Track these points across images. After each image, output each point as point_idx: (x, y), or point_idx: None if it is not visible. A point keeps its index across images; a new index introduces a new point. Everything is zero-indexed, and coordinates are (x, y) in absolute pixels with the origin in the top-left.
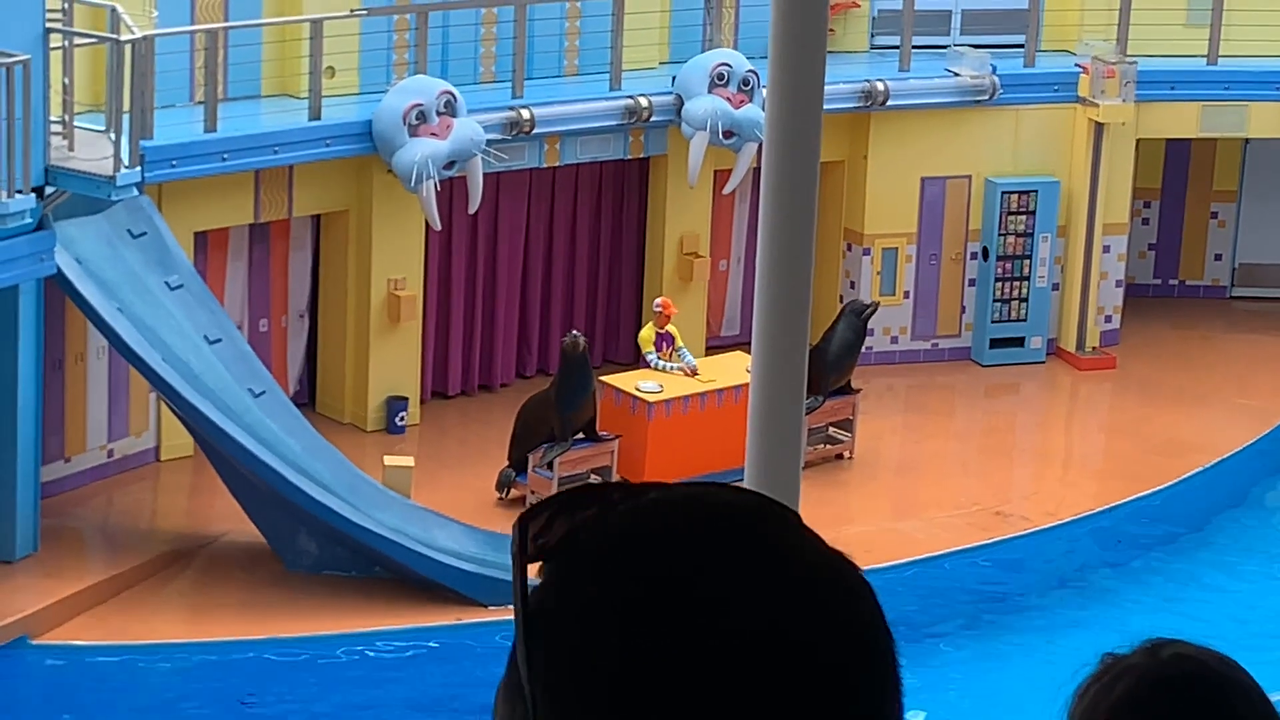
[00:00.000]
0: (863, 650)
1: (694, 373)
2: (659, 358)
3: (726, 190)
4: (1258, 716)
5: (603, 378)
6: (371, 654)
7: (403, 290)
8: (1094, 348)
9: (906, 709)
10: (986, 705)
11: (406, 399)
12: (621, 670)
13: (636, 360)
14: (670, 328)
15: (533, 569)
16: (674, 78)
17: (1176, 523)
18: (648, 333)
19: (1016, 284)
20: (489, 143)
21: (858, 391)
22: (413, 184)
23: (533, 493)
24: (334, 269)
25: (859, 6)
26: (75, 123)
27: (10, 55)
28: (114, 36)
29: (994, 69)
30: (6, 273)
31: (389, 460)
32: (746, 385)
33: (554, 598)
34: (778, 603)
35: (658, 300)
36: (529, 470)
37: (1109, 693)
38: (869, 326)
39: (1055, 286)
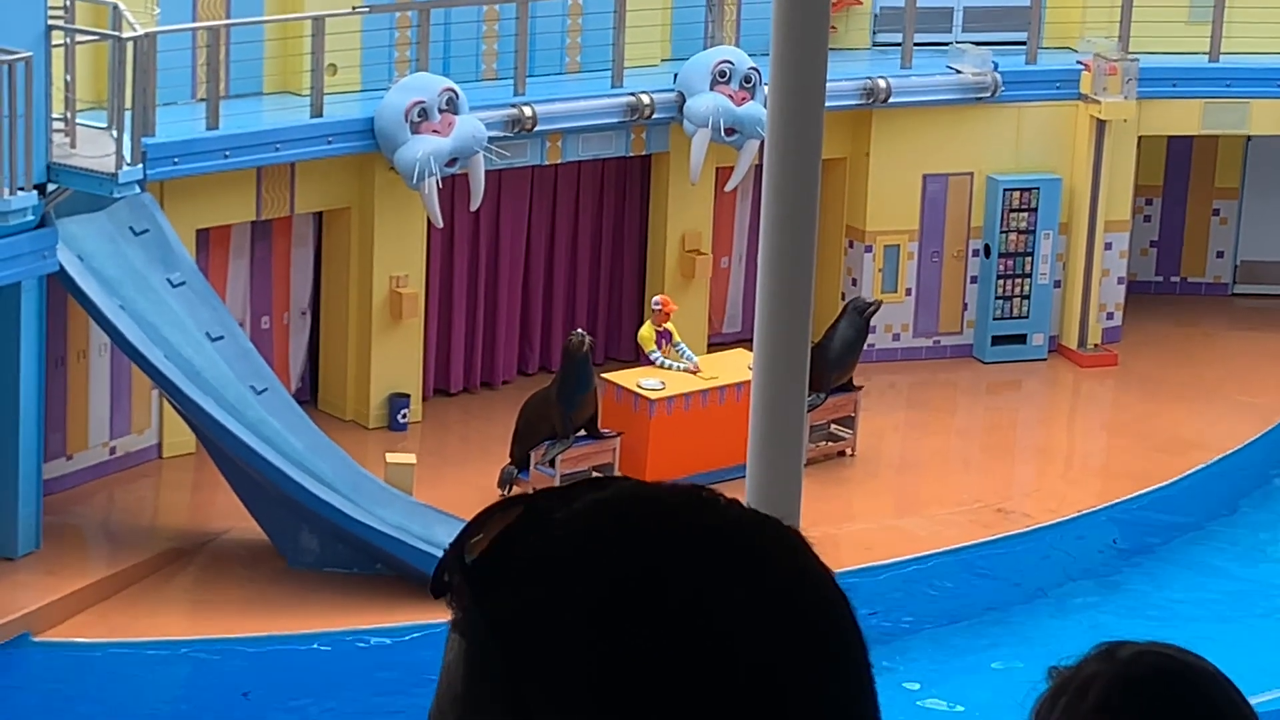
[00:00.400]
0: (829, 660)
1: (697, 370)
2: (662, 355)
3: (728, 187)
4: (1231, 703)
5: (604, 375)
6: (373, 651)
7: (405, 287)
8: (1096, 345)
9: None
10: (987, 703)
11: (408, 396)
12: (598, 671)
13: (638, 357)
14: (668, 325)
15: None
16: (676, 75)
17: (1179, 519)
18: (647, 331)
19: (1018, 281)
20: (491, 140)
21: (859, 388)
22: (415, 181)
23: (534, 489)
24: (336, 266)
25: (861, 4)
26: (77, 120)
27: (12, 52)
28: (116, 34)
29: (996, 66)
30: (8, 270)
31: (391, 457)
32: (748, 382)
33: (512, 605)
34: (746, 609)
35: (656, 298)
36: (531, 467)
37: (1080, 703)
38: (871, 324)
39: (1057, 283)
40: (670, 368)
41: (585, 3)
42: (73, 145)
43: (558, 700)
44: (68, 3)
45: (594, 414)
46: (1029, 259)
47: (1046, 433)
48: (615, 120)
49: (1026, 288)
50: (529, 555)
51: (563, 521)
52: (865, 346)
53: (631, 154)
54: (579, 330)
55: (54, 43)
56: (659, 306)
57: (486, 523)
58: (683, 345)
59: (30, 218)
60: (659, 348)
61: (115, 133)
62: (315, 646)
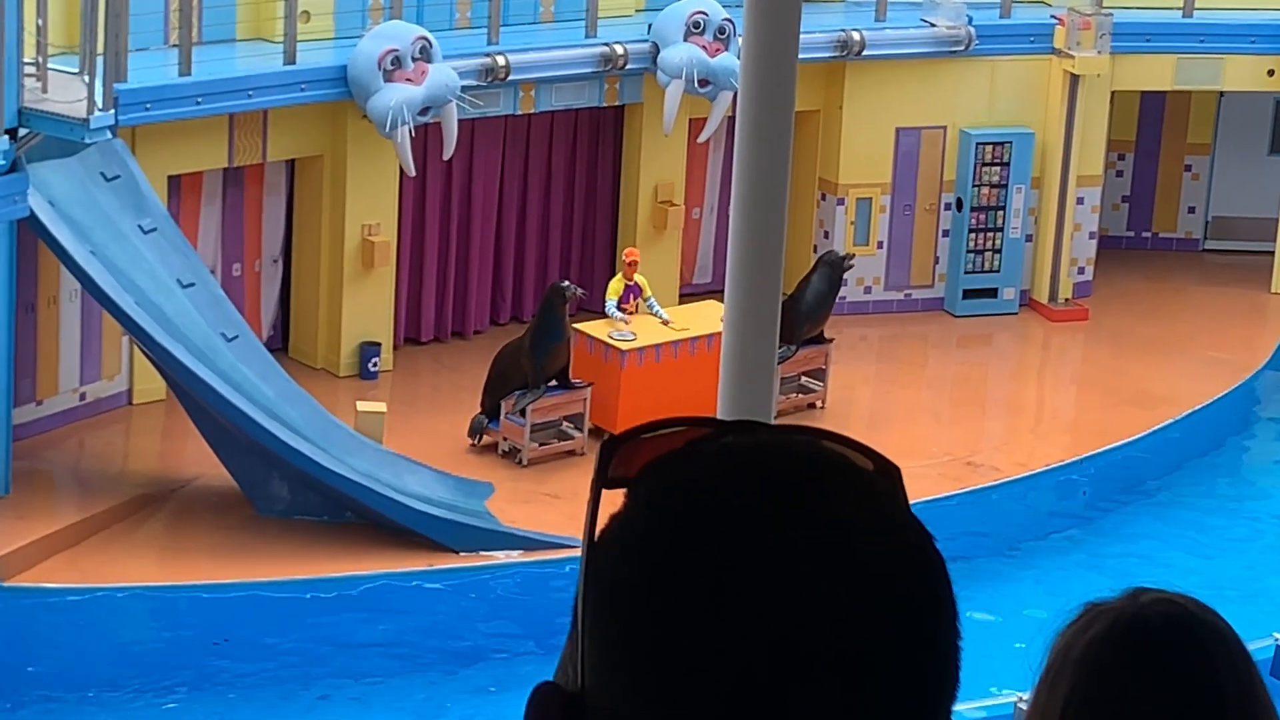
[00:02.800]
0: (912, 633)
1: (665, 324)
2: (618, 308)
3: (701, 139)
4: (1233, 660)
5: (576, 326)
6: (342, 598)
7: (376, 236)
8: (1066, 299)
9: None
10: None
11: (379, 345)
12: (660, 617)
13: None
14: (639, 278)
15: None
16: (650, 25)
17: (1146, 475)
18: (616, 284)
19: (990, 235)
20: (464, 89)
21: (830, 341)
22: (387, 129)
23: (504, 439)
24: (308, 214)
25: None
26: (49, 65)
27: None
28: None
29: (970, 19)
30: None
31: (361, 406)
32: (719, 334)
33: (615, 530)
34: (836, 589)
35: (627, 250)
36: (501, 417)
37: (1084, 633)
38: (843, 278)
39: (1029, 238)
40: (619, 319)
41: None
42: (44, 90)
43: (614, 633)
44: None
45: (566, 365)
46: (1001, 213)
47: (1016, 387)
48: (589, 70)
49: (998, 242)
50: (652, 487)
51: (695, 467)
52: (837, 299)
53: (605, 104)
54: (570, 284)
55: None
56: (626, 259)
57: (641, 447)
58: (653, 300)
59: (1, 162)
60: (623, 300)
61: (87, 78)
62: (284, 594)
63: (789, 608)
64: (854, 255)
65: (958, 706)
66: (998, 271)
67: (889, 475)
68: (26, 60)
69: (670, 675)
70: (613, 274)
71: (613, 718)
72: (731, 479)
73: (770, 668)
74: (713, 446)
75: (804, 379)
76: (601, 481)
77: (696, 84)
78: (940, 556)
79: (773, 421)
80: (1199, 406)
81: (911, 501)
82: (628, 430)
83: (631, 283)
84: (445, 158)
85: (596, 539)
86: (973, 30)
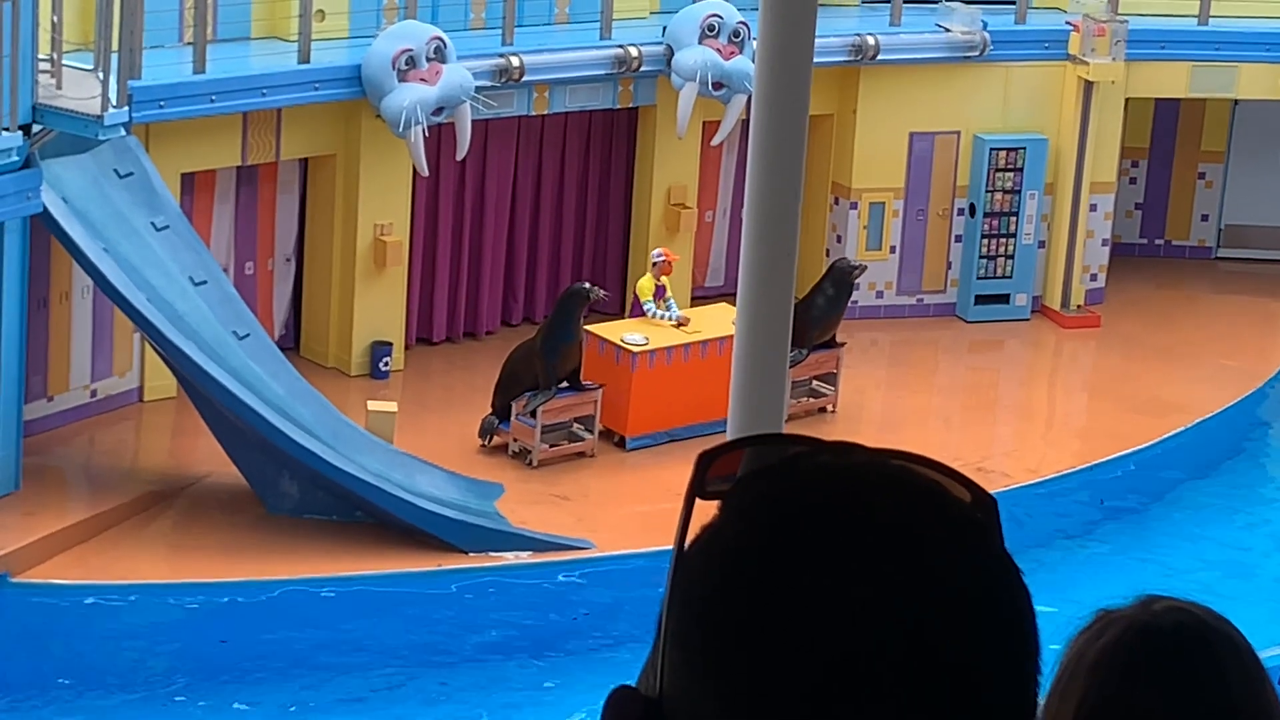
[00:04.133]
0: (990, 675)
1: (679, 325)
2: (656, 307)
3: (715, 142)
4: (1244, 668)
5: (588, 327)
6: (351, 598)
7: (389, 236)
8: (1079, 306)
9: None
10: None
11: (391, 344)
12: (744, 626)
13: (623, 310)
14: (665, 280)
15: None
16: (664, 28)
17: (1158, 482)
18: (647, 282)
19: (1002, 241)
20: (478, 89)
21: (842, 345)
22: (401, 129)
23: (515, 440)
24: (321, 213)
25: None
26: (64, 61)
27: None
28: None
29: (985, 25)
30: None
31: (372, 405)
32: (731, 337)
33: (704, 541)
34: (917, 609)
35: (658, 250)
36: (512, 418)
37: (1096, 640)
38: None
39: (1041, 244)
40: (661, 318)
41: None
42: (59, 86)
43: (696, 641)
44: None
45: (577, 366)
46: (1014, 219)
47: (1027, 393)
48: (603, 72)
49: (1011, 248)
50: (746, 500)
51: (781, 486)
52: (849, 304)
53: (618, 106)
54: (593, 286)
55: None
56: (662, 258)
57: (739, 459)
58: (672, 301)
59: (15, 159)
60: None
61: (101, 75)
62: (293, 592)
63: (868, 627)
64: (865, 266)
65: None
66: (1010, 277)
67: (985, 507)
68: (41, 57)
69: (749, 686)
70: (624, 275)
71: None
72: (824, 498)
73: (848, 684)
74: (809, 464)
75: (815, 383)
76: (696, 491)
77: (711, 87)
78: (1025, 590)
79: (782, 428)
80: (1211, 414)
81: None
82: (726, 442)
83: (659, 283)
84: (459, 158)
85: (686, 548)
86: (987, 36)
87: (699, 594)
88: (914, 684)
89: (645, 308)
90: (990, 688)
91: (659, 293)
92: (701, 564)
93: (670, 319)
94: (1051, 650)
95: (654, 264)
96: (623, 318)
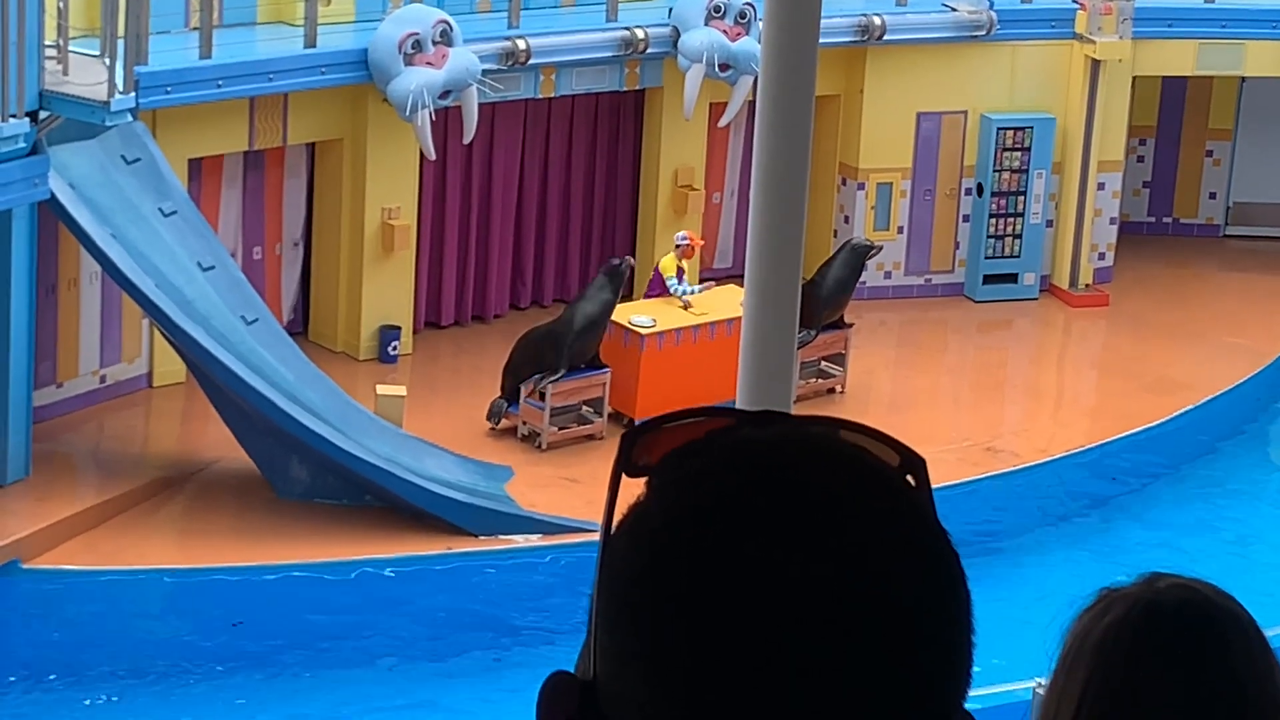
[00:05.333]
0: (923, 642)
1: (686, 306)
2: (679, 284)
3: (722, 123)
4: (1250, 646)
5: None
6: (361, 582)
7: (397, 219)
8: (1087, 285)
9: None
10: (976, 639)
11: (399, 328)
12: (668, 607)
13: (631, 292)
14: (684, 262)
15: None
16: (670, 9)
17: (1167, 460)
18: (670, 262)
19: (1010, 220)
20: (484, 73)
21: (850, 326)
22: (408, 113)
23: (524, 423)
24: (328, 197)
25: None
26: (70, 47)
27: None
28: None
29: (991, 4)
30: (0, 197)
31: (381, 389)
32: (739, 318)
33: (631, 521)
34: (843, 580)
35: (684, 234)
36: (521, 401)
37: (1101, 619)
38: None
39: (1049, 223)
40: (689, 293)
41: None
42: (65, 73)
43: (625, 624)
44: None
45: (596, 351)
46: (1021, 198)
47: (1036, 372)
48: (609, 54)
49: (1018, 227)
50: (668, 478)
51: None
52: (857, 285)
53: (625, 88)
54: (625, 259)
55: None
56: (686, 241)
57: (662, 437)
58: (687, 283)
59: (22, 145)
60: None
61: (108, 60)
62: (303, 576)
63: (795, 602)
64: (880, 245)
65: (975, 691)
66: (1018, 257)
67: (913, 467)
68: (48, 43)
69: (677, 666)
70: (632, 257)
71: (624, 707)
72: (745, 473)
73: (777, 660)
74: (731, 438)
75: (824, 364)
76: (621, 471)
77: (717, 68)
78: (954, 552)
79: (791, 409)
80: (1219, 392)
81: (932, 486)
82: (649, 420)
83: (681, 266)
84: (465, 141)
85: (613, 531)
86: (994, 15)
87: (625, 576)
88: (842, 655)
89: (670, 285)
90: (923, 654)
91: (679, 276)
92: (626, 546)
93: (691, 293)
94: (1057, 627)
95: (677, 246)
96: (633, 299)
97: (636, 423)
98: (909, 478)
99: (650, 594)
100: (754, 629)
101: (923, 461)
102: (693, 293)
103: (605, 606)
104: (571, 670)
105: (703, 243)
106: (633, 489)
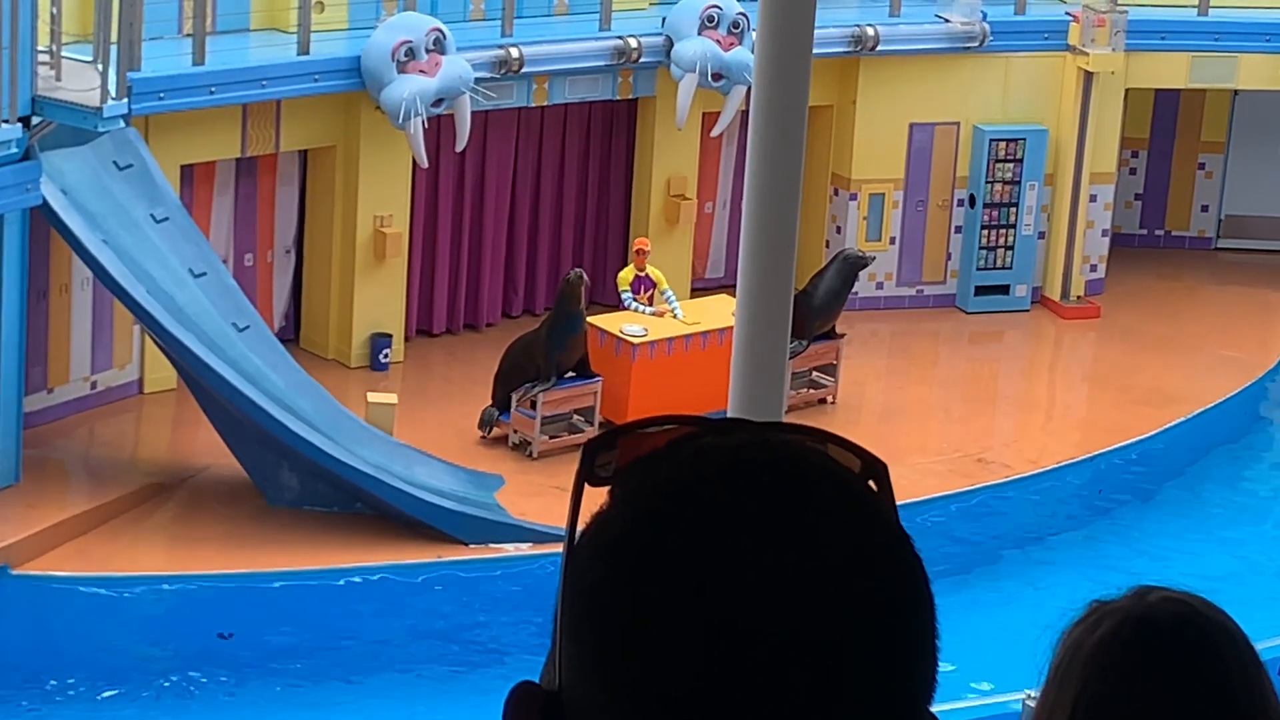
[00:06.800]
0: (882, 651)
1: (661, 315)
2: (635, 300)
3: (714, 133)
4: (1241, 660)
5: (588, 319)
6: (351, 590)
7: (389, 227)
8: (1079, 297)
9: None
10: (966, 651)
11: (391, 336)
12: (630, 617)
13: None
14: (653, 271)
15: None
16: (664, 19)
17: (1158, 473)
18: (626, 273)
19: (1002, 232)
20: (477, 81)
21: (842, 336)
22: (400, 121)
23: (515, 431)
24: (320, 205)
25: None
26: (63, 53)
27: None
28: None
29: (984, 16)
30: None
31: (372, 397)
32: (731, 328)
33: (592, 531)
34: (803, 588)
35: (638, 241)
36: (512, 409)
37: (1092, 632)
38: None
39: (1041, 235)
40: (639, 311)
41: None
42: (58, 78)
43: (586, 635)
44: None
45: (584, 355)
46: (1013, 210)
47: (1028, 384)
48: (602, 63)
49: (1010, 238)
50: (629, 487)
51: (670, 468)
52: (849, 295)
53: (618, 98)
54: (577, 269)
55: None
56: (635, 248)
57: (622, 447)
58: (670, 293)
59: (14, 150)
60: (635, 292)
61: (101, 66)
62: (293, 584)
63: (755, 611)
64: (873, 257)
65: (965, 704)
66: (1010, 268)
67: (875, 472)
68: (40, 48)
69: (640, 676)
70: (624, 266)
71: (587, 714)
72: (705, 482)
73: (737, 669)
74: (691, 447)
75: (815, 374)
76: (583, 480)
77: (710, 78)
78: (915, 556)
79: (782, 419)
80: (1211, 405)
81: (922, 498)
82: (611, 430)
83: (643, 273)
84: (458, 149)
85: (576, 540)
86: (987, 26)
87: (587, 585)
88: (802, 657)
89: (623, 299)
90: (885, 655)
91: (647, 284)
92: (588, 554)
93: (650, 312)
94: (1047, 640)
95: (634, 254)
96: (620, 309)
97: (596, 434)
98: (870, 483)
99: (610, 599)
100: (713, 632)
101: (884, 467)
102: (645, 311)
103: (568, 615)
104: (537, 680)
105: (648, 246)
106: (596, 499)
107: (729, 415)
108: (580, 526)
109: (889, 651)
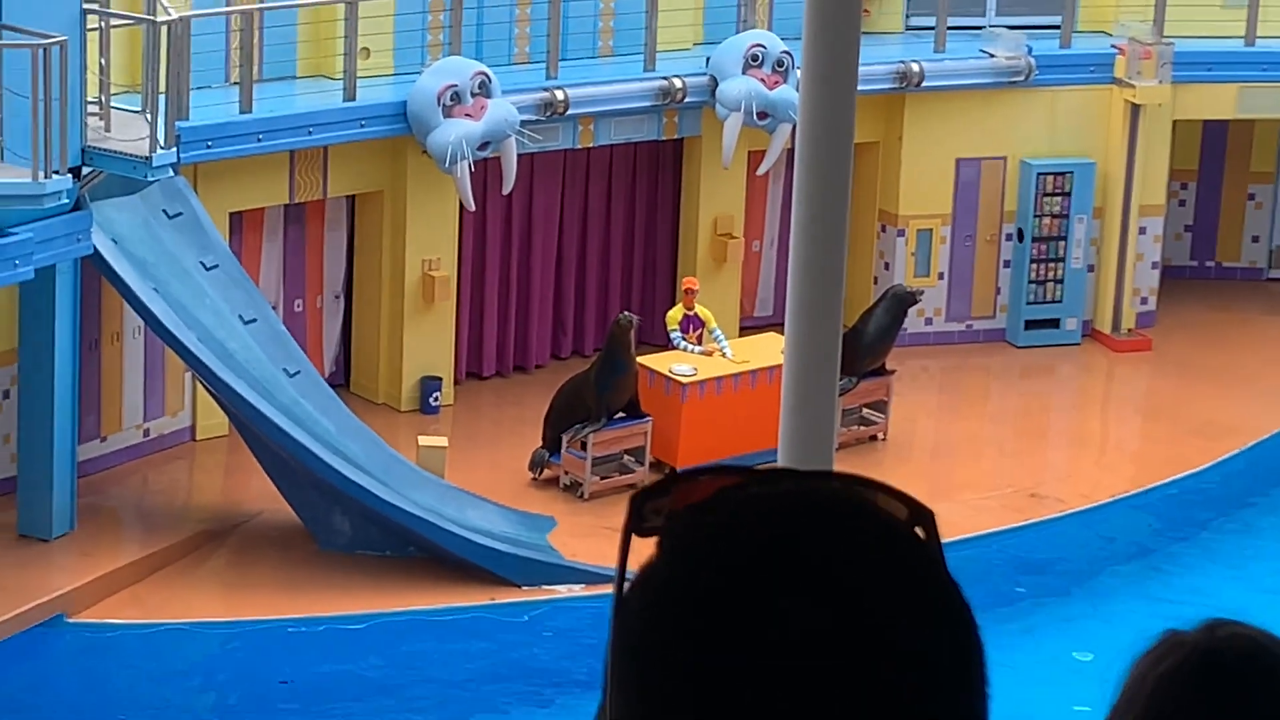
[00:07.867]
0: (929, 689)
1: (710, 354)
2: (684, 339)
3: (760, 171)
4: None
5: (638, 359)
6: (406, 633)
7: (437, 271)
8: (1129, 329)
9: None
10: (1021, 688)
11: (440, 379)
12: (679, 666)
13: (670, 342)
14: (702, 310)
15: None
16: (708, 59)
17: (1213, 506)
18: (675, 313)
19: (1052, 265)
20: (523, 123)
21: (892, 373)
22: (447, 164)
23: (566, 473)
24: (369, 249)
25: None
26: (112, 103)
27: (48, 36)
28: (150, 18)
29: (1029, 50)
30: (44, 253)
31: (423, 440)
32: (780, 367)
33: (641, 581)
34: (852, 640)
35: (685, 280)
36: (562, 451)
37: (1157, 665)
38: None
39: (1090, 268)
40: (689, 350)
41: None
42: (107, 129)
43: (634, 684)
44: None
45: (634, 396)
46: (1062, 243)
47: (1080, 417)
48: (647, 104)
49: (1060, 272)
50: (676, 537)
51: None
52: (899, 332)
53: (664, 138)
54: (626, 313)
55: (89, 26)
56: (684, 288)
57: (689, 485)
58: (718, 332)
59: (65, 201)
60: (684, 331)
61: (149, 116)
62: (348, 628)
63: (799, 653)
64: (923, 291)
65: None
66: (1060, 302)
67: (922, 519)
68: (90, 99)
69: (684, 717)
70: (672, 306)
71: None
72: (752, 528)
73: (781, 711)
74: (739, 495)
75: (865, 411)
76: (631, 531)
77: (755, 116)
78: (965, 603)
79: (833, 457)
80: (1265, 437)
81: (974, 534)
82: (657, 481)
83: (692, 312)
84: (505, 192)
85: (625, 590)
86: (1032, 61)
87: (636, 636)
88: (847, 707)
89: (673, 338)
90: (931, 705)
91: (695, 323)
92: (637, 606)
93: (699, 351)
94: (1117, 669)
95: (685, 294)
96: (670, 349)
97: (644, 485)
98: (918, 530)
99: (657, 647)
100: (758, 680)
101: (931, 514)
102: (695, 350)
103: (616, 665)
104: None
105: (696, 285)
106: (645, 549)
107: (779, 453)
108: (630, 575)
109: (936, 699)
